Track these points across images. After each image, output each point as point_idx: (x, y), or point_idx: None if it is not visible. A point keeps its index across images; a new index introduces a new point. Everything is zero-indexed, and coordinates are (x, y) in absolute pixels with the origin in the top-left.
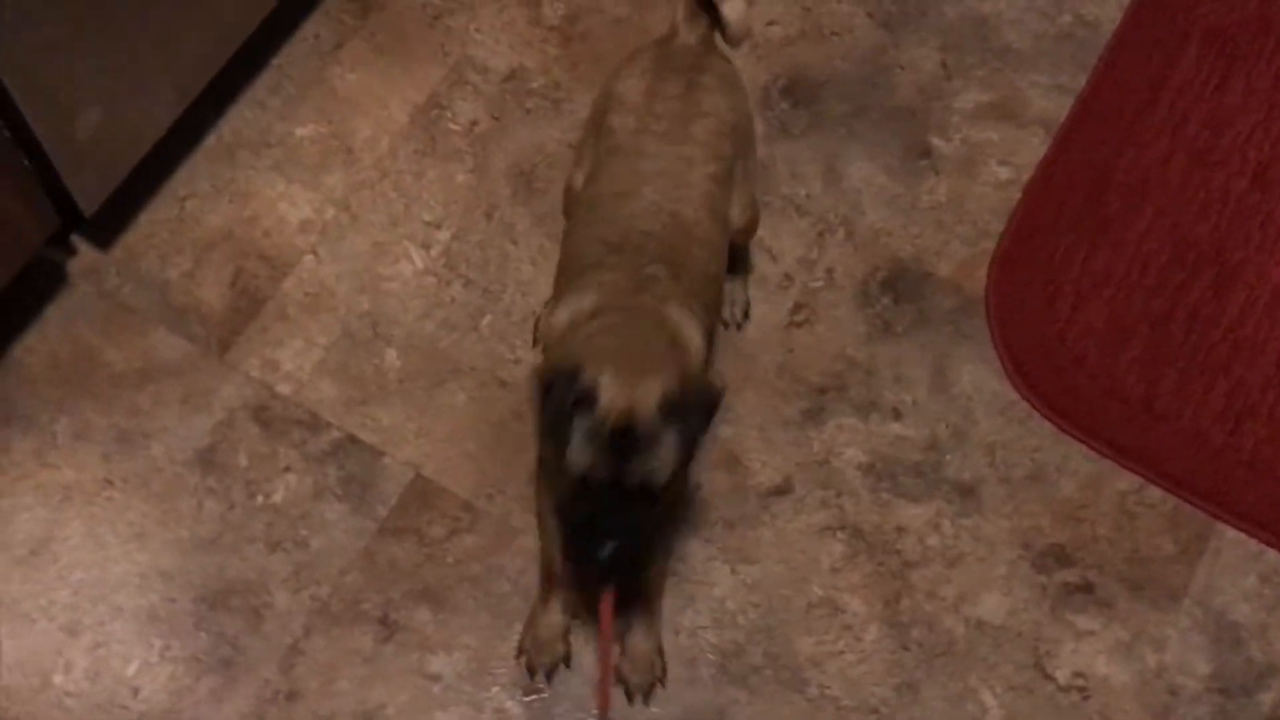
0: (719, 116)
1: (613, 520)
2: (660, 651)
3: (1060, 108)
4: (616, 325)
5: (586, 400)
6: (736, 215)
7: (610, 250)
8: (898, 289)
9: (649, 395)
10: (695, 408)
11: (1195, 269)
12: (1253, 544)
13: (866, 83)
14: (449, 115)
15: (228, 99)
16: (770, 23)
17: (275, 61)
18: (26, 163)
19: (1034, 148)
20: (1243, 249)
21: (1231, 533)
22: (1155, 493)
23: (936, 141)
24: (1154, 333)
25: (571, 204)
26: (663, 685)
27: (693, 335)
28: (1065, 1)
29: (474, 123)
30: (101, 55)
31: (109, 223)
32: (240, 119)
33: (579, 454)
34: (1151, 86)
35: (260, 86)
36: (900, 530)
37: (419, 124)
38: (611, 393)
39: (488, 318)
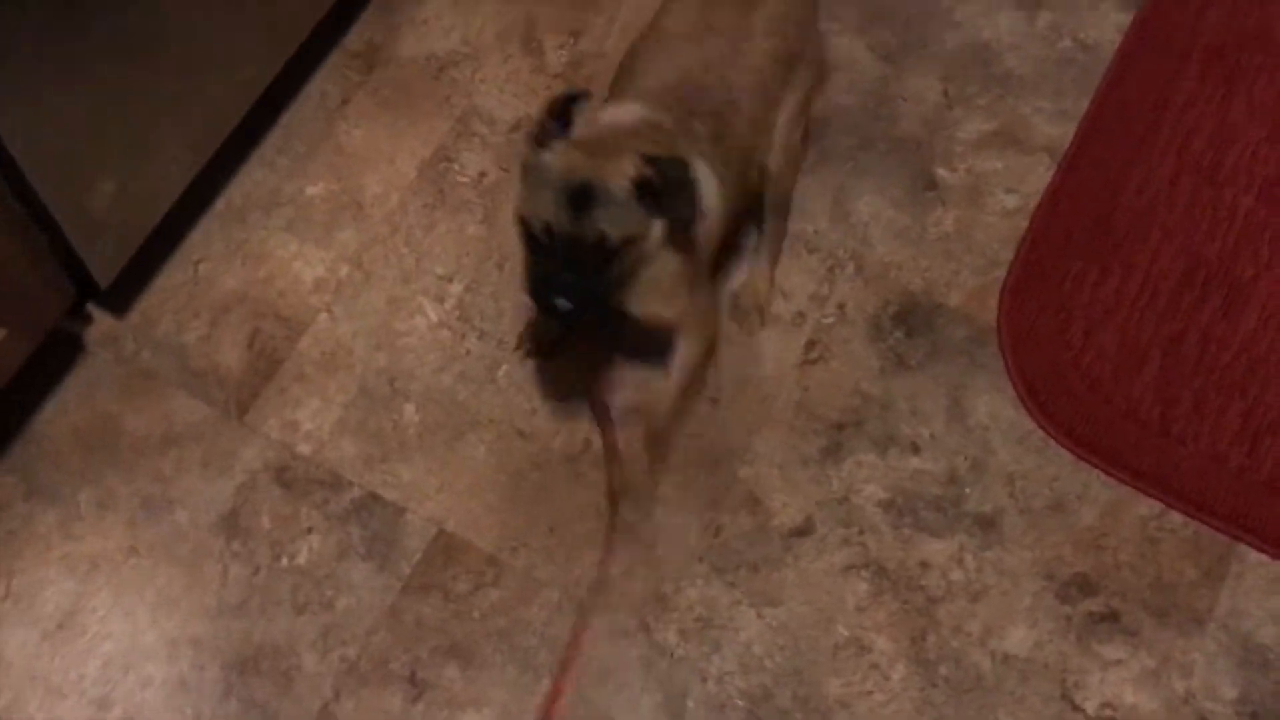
0: (785, 6)
1: (569, 277)
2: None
3: (1064, 133)
4: (638, 145)
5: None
6: (780, 134)
7: (665, 90)
8: (910, 322)
9: (618, 166)
10: (667, 183)
11: (1206, 289)
12: (1276, 566)
13: (870, 115)
14: (457, 167)
15: (237, 160)
16: None
17: (283, 121)
18: (42, 238)
19: (1040, 174)
20: (1253, 266)
21: (1254, 555)
22: (1176, 517)
23: (942, 172)
24: (1167, 355)
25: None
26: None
27: (709, 193)
28: (1064, 26)
29: (482, 174)
30: (114, 127)
31: (124, 289)
32: (250, 180)
33: (539, 204)
34: (1155, 107)
35: (269, 146)
36: (923, 566)
37: (427, 177)
38: (575, 157)
39: (504, 368)
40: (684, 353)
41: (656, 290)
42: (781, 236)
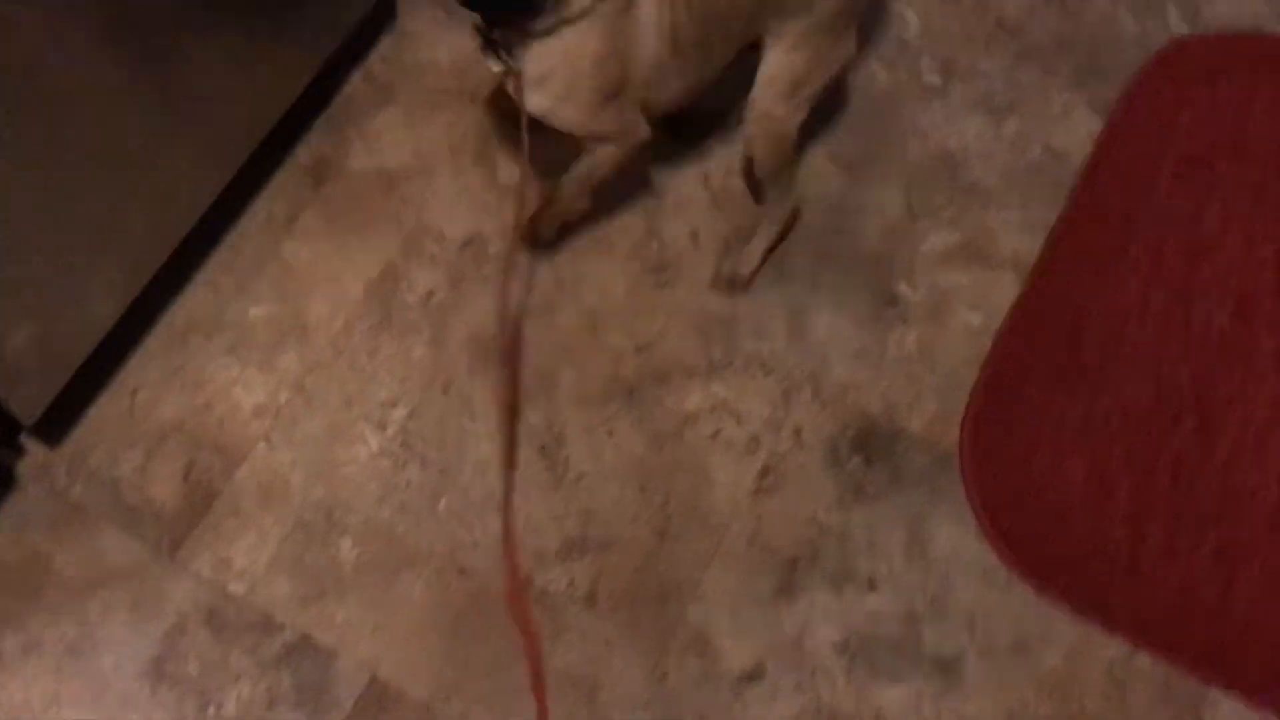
0: None
1: None
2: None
3: (1032, 246)
4: None
5: None
6: (758, 96)
7: None
8: (869, 448)
9: None
10: None
11: (1179, 413)
12: (1252, 715)
13: (831, 228)
14: (405, 286)
15: (179, 281)
16: (728, 172)
17: (227, 239)
18: None
19: (1005, 290)
20: (1227, 388)
21: (1227, 702)
22: (1145, 659)
23: (904, 288)
24: (1137, 485)
25: None
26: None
27: (647, 18)
28: (1033, 133)
29: (431, 293)
30: (34, 259)
31: (58, 419)
32: (192, 301)
33: None
34: (1126, 218)
35: (213, 266)
36: (879, 714)
37: (375, 297)
38: None
39: (445, 499)
40: (590, 154)
41: (551, 81)
42: (775, 223)
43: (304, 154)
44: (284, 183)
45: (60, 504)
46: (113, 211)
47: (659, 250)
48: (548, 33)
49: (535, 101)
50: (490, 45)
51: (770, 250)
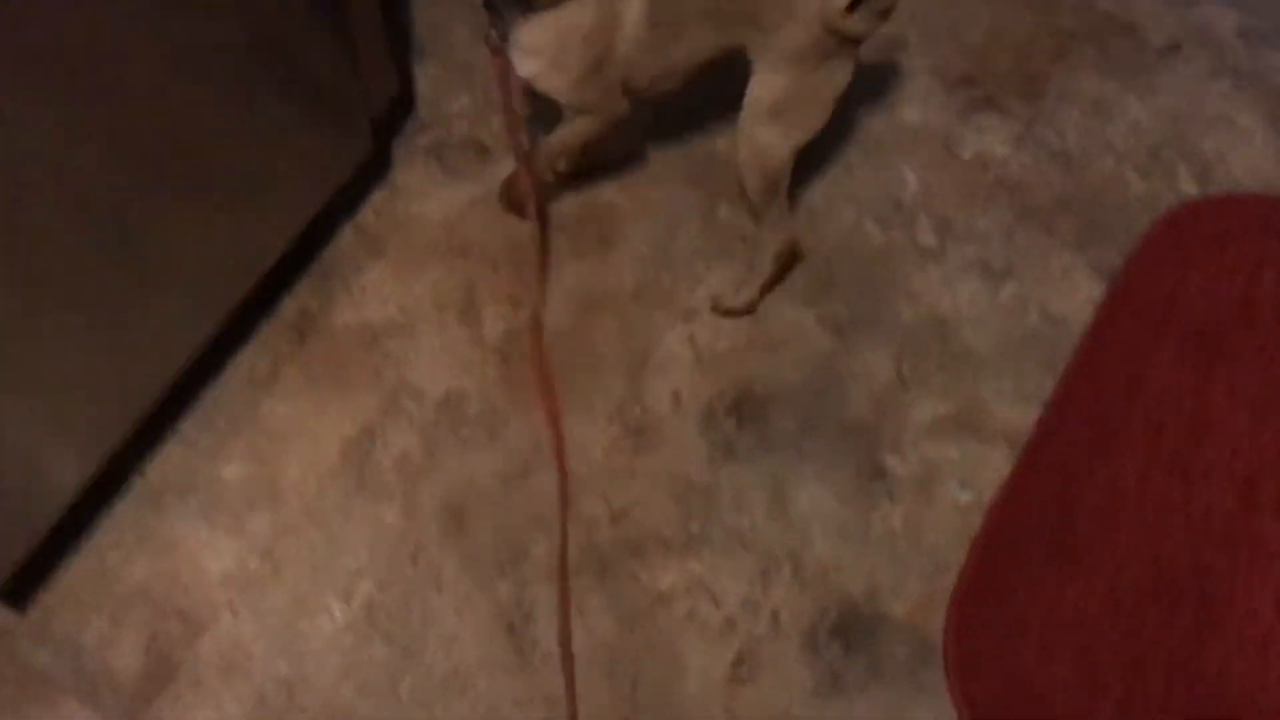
0: None
1: None
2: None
3: (1026, 418)
4: None
5: None
6: (746, 115)
7: None
8: (849, 635)
9: None
10: None
11: (1176, 604)
12: None
13: (817, 395)
14: (380, 447)
15: (155, 437)
16: (715, 332)
17: (207, 394)
18: None
19: (997, 465)
20: (1229, 580)
21: None
22: None
23: (891, 461)
24: (1130, 683)
25: None
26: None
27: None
28: (1030, 297)
29: (405, 455)
30: None
31: (26, 581)
32: (169, 460)
33: None
34: (1126, 392)
35: (190, 423)
36: None
37: (350, 458)
38: None
39: (407, 680)
40: (564, 128)
41: (545, 51)
42: (768, 256)
43: (289, 307)
44: (267, 337)
45: (22, 672)
46: (87, 371)
47: (640, 413)
48: (549, 6)
49: (527, 67)
50: (494, 21)
51: (767, 286)
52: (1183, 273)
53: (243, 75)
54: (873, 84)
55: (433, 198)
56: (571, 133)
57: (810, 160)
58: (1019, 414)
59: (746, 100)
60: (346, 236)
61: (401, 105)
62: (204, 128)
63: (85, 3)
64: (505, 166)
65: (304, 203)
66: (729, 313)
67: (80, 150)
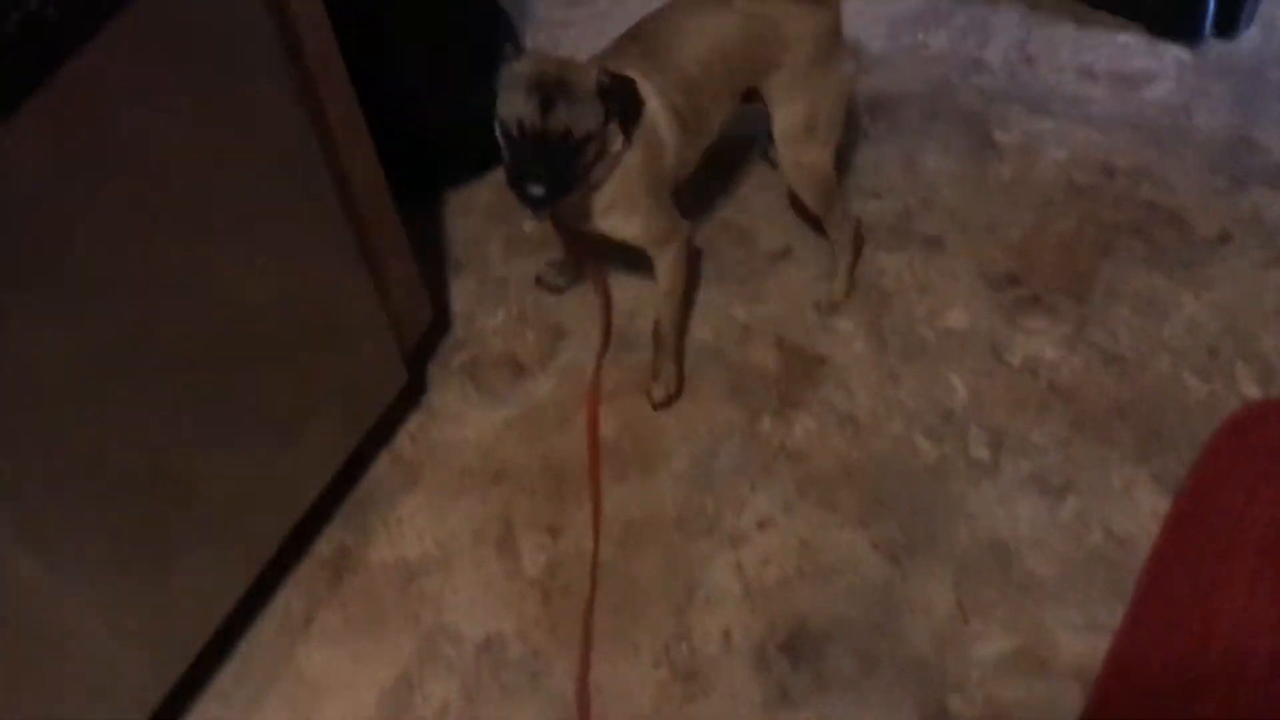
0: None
1: (540, 168)
2: (678, 371)
3: (1095, 650)
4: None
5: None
6: (783, 146)
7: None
8: None
9: (580, 71)
10: (619, 88)
11: None
12: None
13: (875, 630)
14: (419, 699)
15: (192, 692)
16: (764, 561)
17: (243, 645)
18: None
19: (1069, 704)
20: None
21: None
22: None
23: (956, 703)
24: None
25: None
26: (677, 398)
27: (661, 121)
28: (1092, 515)
29: (445, 705)
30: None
31: None
32: (205, 717)
33: (514, 104)
34: (1202, 617)
35: (226, 676)
36: None
37: (387, 709)
38: (544, 64)
39: None
40: (660, 263)
41: (617, 205)
42: (846, 247)
43: (325, 545)
44: (303, 577)
45: None
46: (125, 636)
47: (688, 653)
48: (607, 177)
49: (609, 224)
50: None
51: (853, 267)
52: (1251, 484)
53: (276, 327)
54: (915, 286)
55: (468, 421)
56: (667, 275)
57: (855, 369)
58: (1088, 645)
59: (777, 134)
60: (382, 465)
61: (436, 327)
62: (237, 380)
63: (132, 264)
64: (539, 384)
65: (340, 441)
66: (834, 308)
67: (120, 410)
